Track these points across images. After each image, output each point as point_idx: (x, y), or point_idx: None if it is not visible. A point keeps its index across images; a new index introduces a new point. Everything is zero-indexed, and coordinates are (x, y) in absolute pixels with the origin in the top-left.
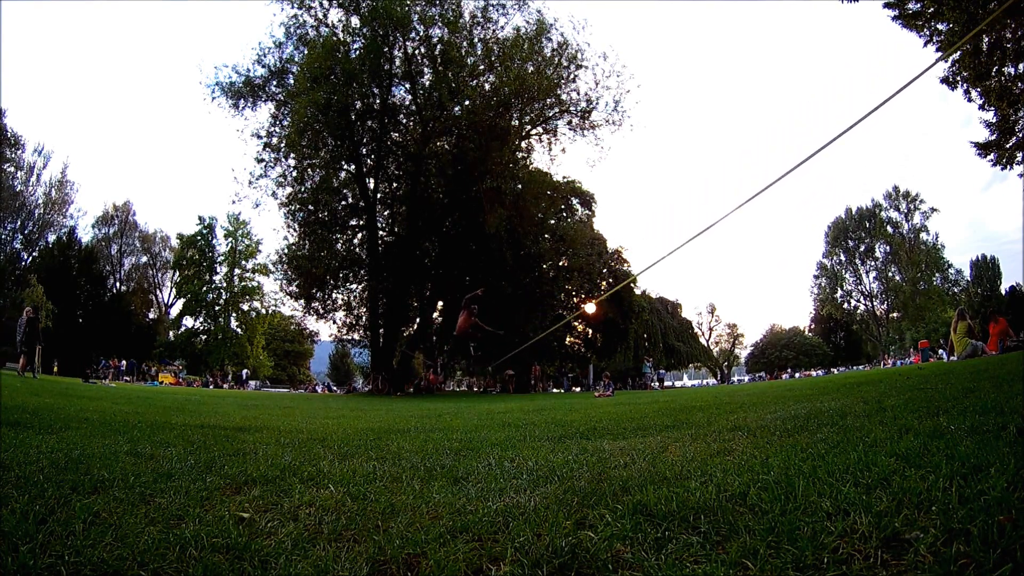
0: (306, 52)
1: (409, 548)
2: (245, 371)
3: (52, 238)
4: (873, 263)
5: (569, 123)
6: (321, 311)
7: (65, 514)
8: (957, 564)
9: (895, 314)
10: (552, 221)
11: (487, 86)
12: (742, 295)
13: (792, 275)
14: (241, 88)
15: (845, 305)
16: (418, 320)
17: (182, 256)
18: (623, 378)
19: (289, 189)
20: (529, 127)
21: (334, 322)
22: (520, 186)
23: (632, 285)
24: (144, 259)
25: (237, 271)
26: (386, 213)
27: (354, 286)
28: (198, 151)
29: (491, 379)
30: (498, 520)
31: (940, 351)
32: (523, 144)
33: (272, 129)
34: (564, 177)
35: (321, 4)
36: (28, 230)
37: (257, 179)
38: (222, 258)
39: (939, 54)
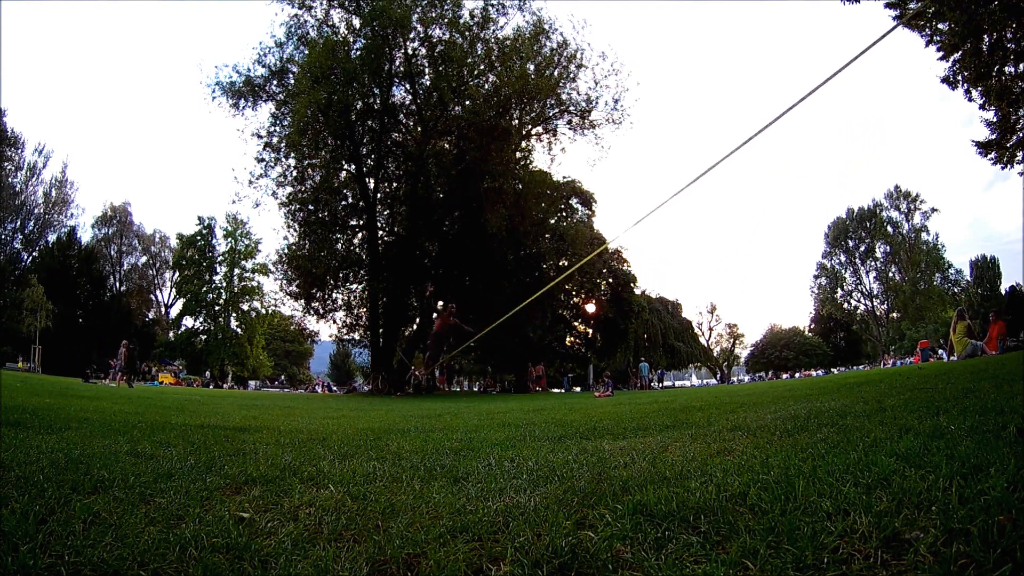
0: (307, 52)
1: (409, 548)
2: (282, 377)
3: (52, 238)
4: (873, 263)
5: (569, 123)
6: (321, 311)
7: (65, 514)
8: (957, 564)
9: (895, 314)
10: (552, 221)
11: (487, 86)
12: (742, 295)
13: (792, 275)
14: (241, 88)
15: (845, 305)
16: (418, 320)
17: (182, 256)
18: (623, 378)
19: (289, 189)
20: (529, 127)
21: (334, 322)
22: (521, 186)
23: (632, 285)
24: (143, 259)
25: (237, 271)
26: (386, 213)
27: (354, 286)
28: (198, 151)
29: (491, 379)
30: (498, 520)
31: (940, 351)
32: (523, 144)
33: (272, 129)
34: (564, 177)
35: (322, 4)
36: (28, 230)
37: (257, 179)
38: (222, 258)
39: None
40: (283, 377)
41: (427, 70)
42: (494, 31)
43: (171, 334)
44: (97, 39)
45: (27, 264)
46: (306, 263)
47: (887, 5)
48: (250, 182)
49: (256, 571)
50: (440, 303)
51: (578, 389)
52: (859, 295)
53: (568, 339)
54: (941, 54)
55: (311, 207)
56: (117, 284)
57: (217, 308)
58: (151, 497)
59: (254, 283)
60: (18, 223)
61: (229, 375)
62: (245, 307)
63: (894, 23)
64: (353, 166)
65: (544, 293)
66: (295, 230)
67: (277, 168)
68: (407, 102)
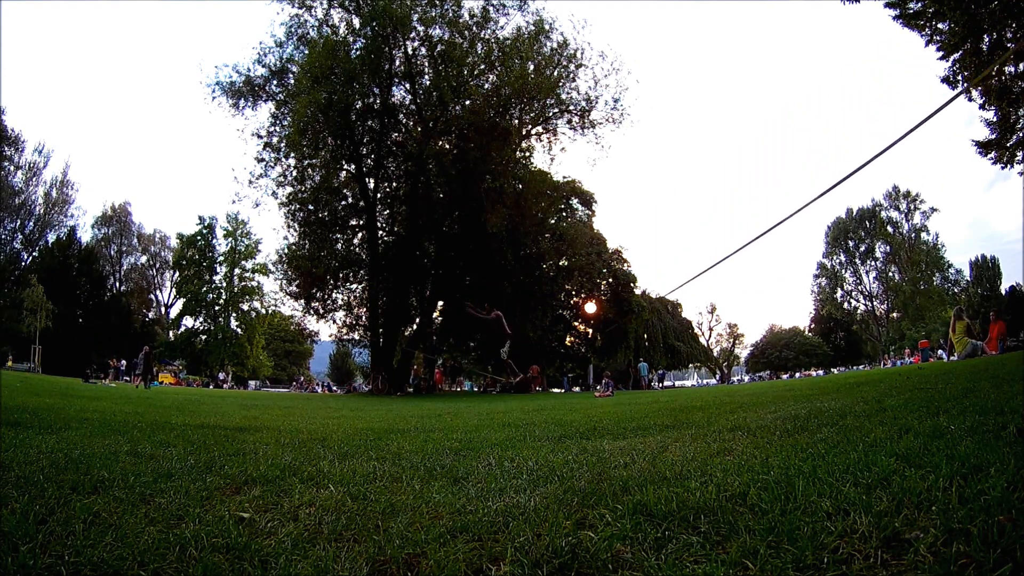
0: (307, 52)
1: (409, 548)
2: (301, 377)
3: (52, 238)
4: (873, 263)
5: (569, 122)
6: (321, 311)
7: (65, 514)
8: (957, 564)
9: (895, 314)
10: (552, 221)
11: (487, 86)
12: (742, 295)
13: (792, 275)
14: (241, 88)
15: (845, 305)
16: (418, 320)
17: (182, 256)
18: (624, 378)
19: (289, 189)
20: (529, 126)
21: (334, 322)
22: (521, 186)
23: (632, 285)
24: (143, 259)
25: (237, 271)
26: (386, 213)
27: (354, 286)
28: (198, 151)
29: (491, 379)
30: (498, 520)
31: (940, 351)
32: (523, 144)
33: (272, 129)
34: (564, 177)
35: (322, 4)
36: (28, 230)
37: (257, 179)
38: (222, 258)
39: (957, 87)
40: (301, 378)
41: (427, 70)
42: (494, 31)
43: (171, 334)
44: (97, 39)
45: (27, 264)
46: (306, 263)
47: (887, 5)
48: (250, 182)
49: (256, 571)
50: (440, 303)
51: (577, 389)
52: (859, 295)
53: (568, 339)
54: (941, 54)
55: (311, 207)
56: (117, 284)
57: (217, 308)
58: (151, 497)
59: (254, 283)
60: (18, 223)
61: (229, 375)
62: (245, 307)
63: (957, 91)
64: (353, 166)
65: (544, 293)
66: (295, 230)
67: (277, 168)
68: (407, 102)
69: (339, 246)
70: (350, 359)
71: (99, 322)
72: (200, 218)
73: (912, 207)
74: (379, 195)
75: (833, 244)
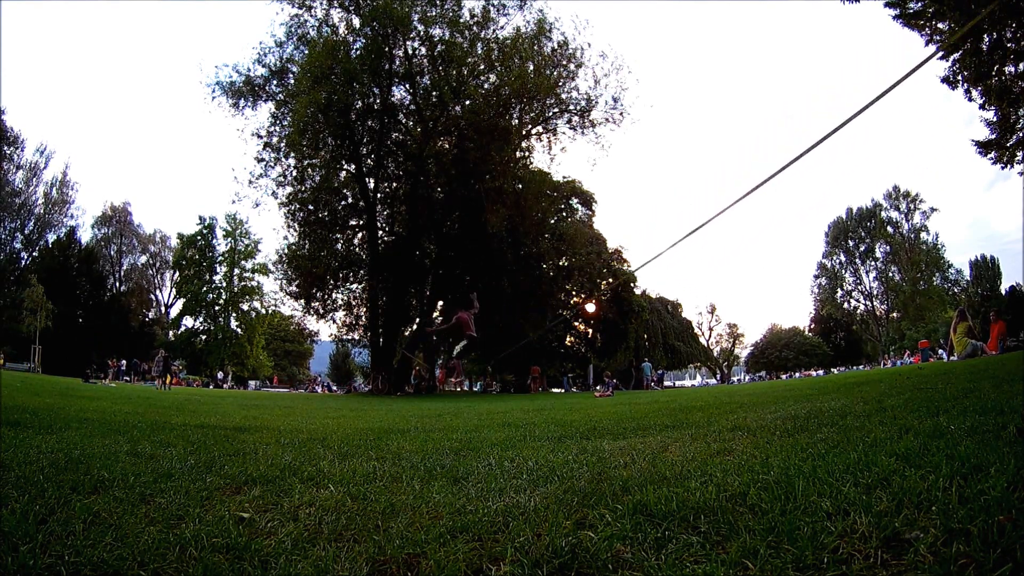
0: (307, 52)
1: (409, 548)
2: (318, 376)
3: (52, 238)
4: (873, 263)
5: (569, 122)
6: (321, 311)
7: (65, 514)
8: (957, 564)
9: (895, 314)
10: (552, 221)
11: (487, 86)
12: (742, 295)
13: (792, 275)
14: (241, 87)
15: (845, 305)
16: (418, 320)
17: (182, 256)
18: (623, 378)
19: (289, 189)
20: (529, 126)
21: (334, 322)
22: (521, 186)
23: (632, 285)
24: (143, 259)
25: (237, 271)
26: (386, 213)
27: (354, 286)
28: (198, 151)
29: (491, 378)
30: (498, 520)
31: (940, 351)
32: (523, 144)
33: (272, 129)
34: (564, 177)
35: (322, 4)
36: (28, 230)
37: (257, 179)
38: (222, 258)
39: (938, 49)
40: (317, 377)
41: (427, 70)
42: (494, 31)
43: (171, 334)
44: (97, 39)
45: (27, 264)
46: (306, 263)
47: (887, 4)
48: (250, 182)
49: (256, 571)
50: (440, 303)
51: (575, 390)
52: (859, 295)
53: (568, 339)
54: (941, 54)
55: (311, 207)
56: (117, 284)
57: (217, 308)
58: (151, 497)
59: (254, 283)
60: (18, 223)
61: (229, 375)
62: (245, 307)
63: (934, 50)
64: (353, 166)
65: (544, 293)
66: (295, 230)
67: (277, 168)
68: (407, 102)
69: (339, 246)
70: (350, 359)
71: (99, 322)
72: (200, 218)
73: (912, 207)
74: (379, 195)
75: (833, 244)
